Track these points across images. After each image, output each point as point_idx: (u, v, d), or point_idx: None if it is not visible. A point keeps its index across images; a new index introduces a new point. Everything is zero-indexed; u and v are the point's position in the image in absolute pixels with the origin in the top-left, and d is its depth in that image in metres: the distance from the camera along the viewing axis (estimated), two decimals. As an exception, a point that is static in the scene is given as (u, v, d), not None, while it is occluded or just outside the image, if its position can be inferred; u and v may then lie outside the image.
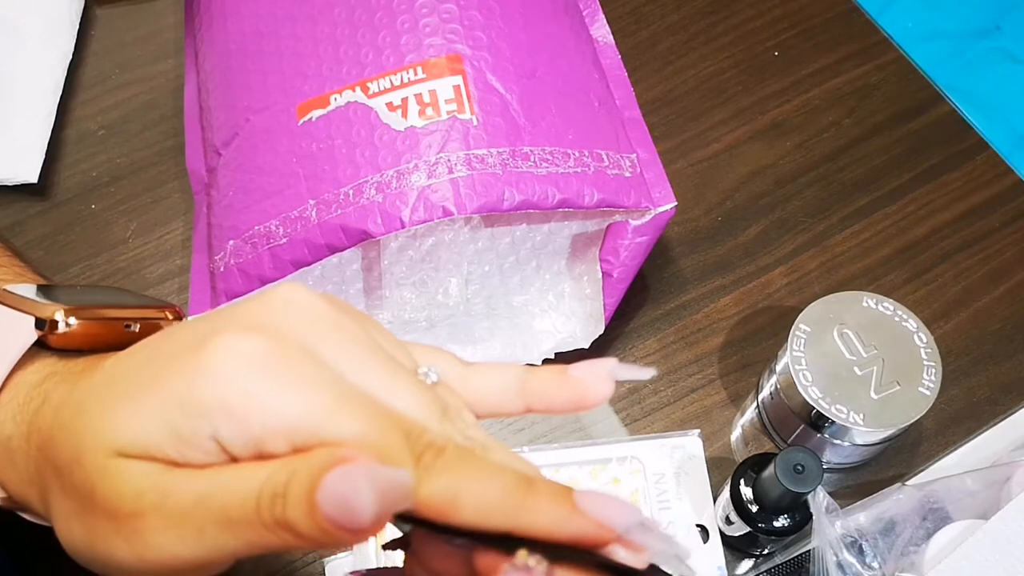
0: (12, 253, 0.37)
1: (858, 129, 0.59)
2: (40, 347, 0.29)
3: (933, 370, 0.45)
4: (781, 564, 0.46)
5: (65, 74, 0.59)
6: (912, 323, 0.46)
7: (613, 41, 0.54)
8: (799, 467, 0.41)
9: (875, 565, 0.43)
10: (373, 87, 0.44)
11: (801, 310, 0.47)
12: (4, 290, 0.31)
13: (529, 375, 0.27)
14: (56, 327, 0.29)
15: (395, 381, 0.25)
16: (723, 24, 0.63)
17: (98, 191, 0.57)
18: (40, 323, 0.29)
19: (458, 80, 0.44)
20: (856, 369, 0.45)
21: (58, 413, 0.26)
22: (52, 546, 0.26)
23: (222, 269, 0.48)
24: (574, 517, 0.22)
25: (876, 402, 0.44)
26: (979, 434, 0.49)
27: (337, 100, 0.45)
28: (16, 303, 0.30)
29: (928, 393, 0.45)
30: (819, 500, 0.42)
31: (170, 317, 0.32)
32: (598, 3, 0.56)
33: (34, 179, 0.55)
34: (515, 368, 0.28)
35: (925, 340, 0.46)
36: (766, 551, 0.46)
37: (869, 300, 0.47)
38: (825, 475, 0.41)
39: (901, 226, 0.56)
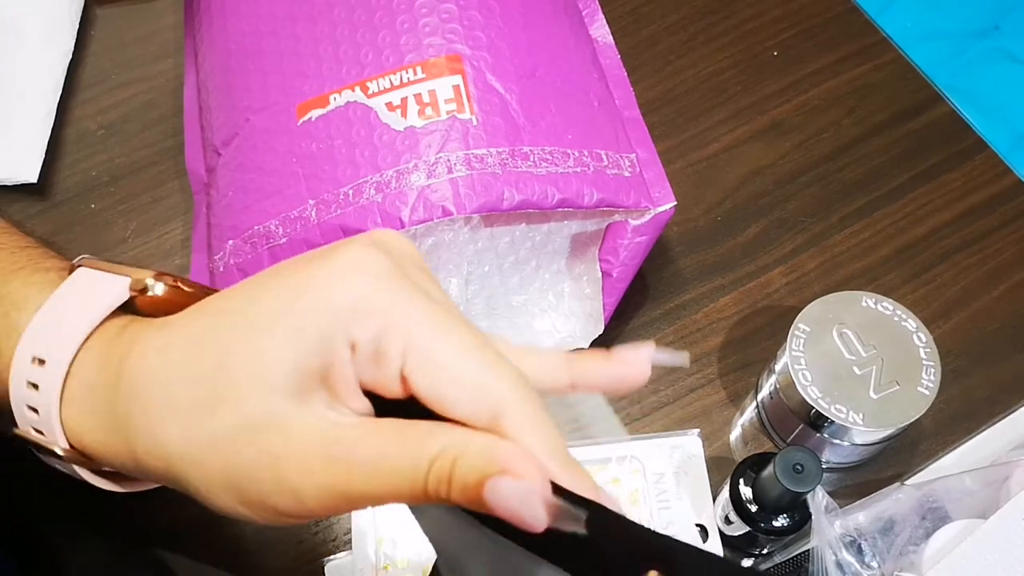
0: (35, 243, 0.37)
1: (857, 129, 0.59)
2: (118, 311, 0.29)
3: (932, 370, 0.45)
4: (780, 563, 0.46)
5: (65, 74, 0.59)
6: (911, 323, 0.46)
7: (612, 41, 0.54)
8: (798, 467, 0.41)
9: (874, 564, 0.43)
10: (373, 87, 0.45)
11: (800, 310, 0.47)
12: (91, 258, 0.31)
13: (576, 356, 0.28)
14: (147, 291, 0.29)
15: (488, 340, 0.26)
16: (722, 24, 0.63)
17: (98, 191, 0.57)
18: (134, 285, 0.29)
19: (457, 80, 0.44)
20: (855, 369, 0.45)
21: (165, 354, 0.26)
22: (53, 546, 0.26)
23: (222, 269, 0.48)
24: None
25: (875, 402, 0.44)
26: (978, 434, 0.49)
27: (337, 100, 0.45)
28: (110, 268, 0.30)
29: (927, 393, 0.45)
30: (818, 500, 0.42)
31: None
32: (598, 3, 0.56)
33: (34, 179, 0.56)
34: (562, 351, 0.29)
35: (924, 340, 0.46)
36: (765, 550, 0.46)
37: (868, 300, 0.47)
38: (824, 475, 0.41)
39: (900, 226, 0.56)
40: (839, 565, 0.42)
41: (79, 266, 0.30)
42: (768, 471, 0.42)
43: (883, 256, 0.55)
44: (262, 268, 0.46)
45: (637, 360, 0.28)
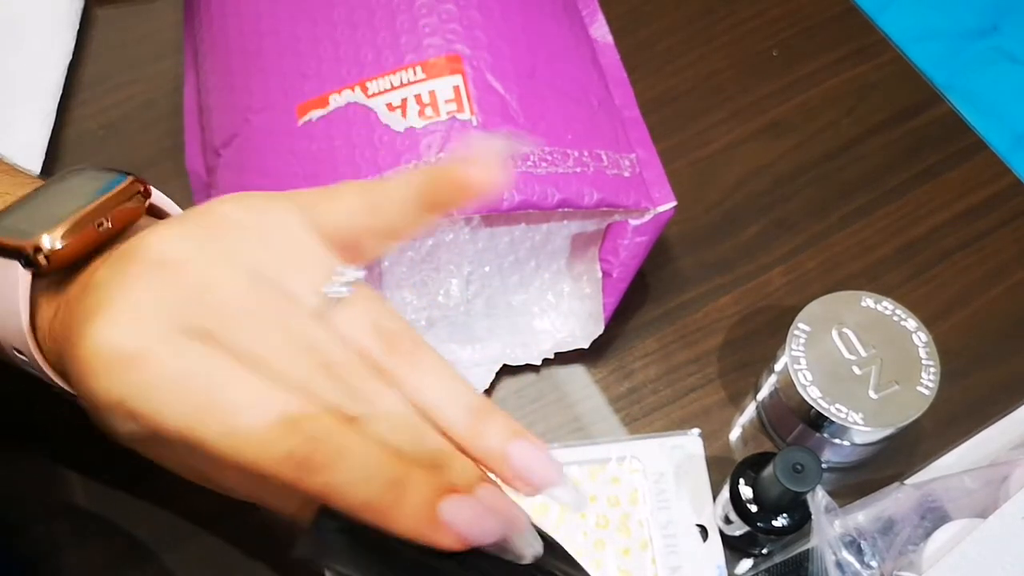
0: None
1: (857, 129, 0.59)
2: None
3: (932, 369, 0.45)
4: (780, 563, 0.46)
5: (65, 74, 0.59)
6: (911, 322, 0.46)
7: (612, 41, 0.54)
8: (798, 466, 0.41)
9: (874, 564, 0.43)
10: (373, 87, 0.45)
11: (800, 309, 0.47)
12: None
13: (419, 172, 0.30)
14: (40, 261, 0.30)
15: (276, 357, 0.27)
16: (722, 24, 0.63)
17: (98, 191, 0.57)
18: (25, 259, 0.30)
19: (457, 80, 0.44)
20: (855, 368, 0.45)
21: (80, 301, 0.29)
22: (53, 547, 0.26)
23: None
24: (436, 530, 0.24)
25: (875, 401, 0.44)
26: (977, 433, 0.49)
27: (337, 100, 0.45)
28: (4, 241, 0.31)
29: (927, 392, 0.45)
30: (818, 499, 0.42)
31: (141, 191, 0.34)
32: (597, 3, 0.56)
33: (34, 179, 0.56)
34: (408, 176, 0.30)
35: (924, 339, 0.46)
36: (765, 550, 0.46)
37: (868, 299, 0.47)
38: (824, 474, 0.41)
39: (900, 225, 0.56)
40: (839, 565, 0.42)
41: None
42: (768, 471, 0.42)
43: (883, 256, 0.55)
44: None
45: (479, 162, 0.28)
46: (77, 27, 0.61)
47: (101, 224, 0.31)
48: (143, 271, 0.27)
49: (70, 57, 0.60)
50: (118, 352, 0.26)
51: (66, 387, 0.32)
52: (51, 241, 0.30)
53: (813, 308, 0.47)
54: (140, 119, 0.60)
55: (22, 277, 0.30)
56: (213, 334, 0.26)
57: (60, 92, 0.59)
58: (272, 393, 0.25)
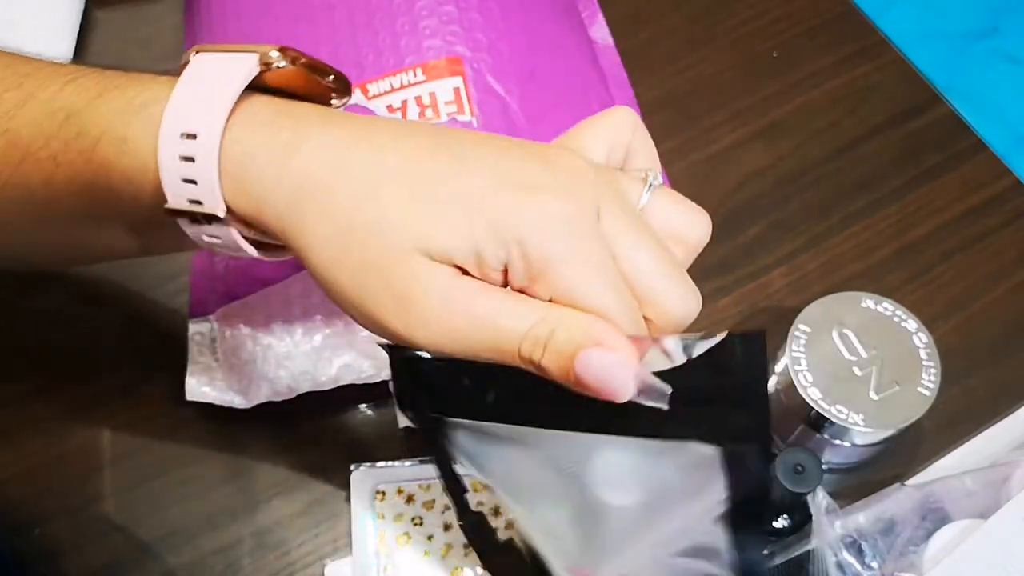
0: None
1: (857, 130, 0.59)
2: (249, 91, 0.31)
3: (932, 370, 0.45)
4: (781, 564, 0.46)
5: (65, 76, 0.59)
6: (912, 323, 0.46)
7: (612, 42, 0.54)
8: (799, 467, 0.41)
9: (874, 565, 0.43)
10: (373, 89, 0.45)
11: (801, 311, 0.47)
12: (203, 47, 0.32)
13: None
14: (271, 64, 0.30)
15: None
16: (722, 25, 0.63)
17: (98, 193, 0.57)
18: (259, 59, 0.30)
19: (458, 82, 0.44)
20: (856, 369, 0.45)
21: (345, 176, 0.29)
22: (54, 548, 0.26)
23: (222, 270, 0.48)
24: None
25: (876, 402, 0.44)
26: (978, 434, 0.49)
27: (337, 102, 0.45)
28: (229, 48, 0.31)
29: (928, 393, 0.45)
30: (819, 500, 0.42)
31: (341, 82, 0.34)
32: (597, 5, 0.56)
33: (35, 181, 0.56)
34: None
35: (925, 340, 0.46)
36: (766, 551, 0.46)
37: (869, 300, 0.47)
38: (825, 475, 0.41)
39: (900, 227, 0.56)
40: (839, 566, 0.42)
41: (193, 55, 0.31)
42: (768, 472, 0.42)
43: (883, 257, 0.55)
44: (263, 269, 0.46)
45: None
46: (77, 29, 0.61)
47: (328, 76, 0.33)
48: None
49: (70, 59, 0.60)
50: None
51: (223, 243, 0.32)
52: (278, 56, 0.31)
53: (813, 309, 0.47)
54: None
55: (251, 69, 0.30)
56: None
57: (61, 94, 0.59)
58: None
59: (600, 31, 0.54)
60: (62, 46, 0.59)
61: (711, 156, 0.58)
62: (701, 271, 0.54)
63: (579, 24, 0.53)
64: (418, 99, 0.44)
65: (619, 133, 0.33)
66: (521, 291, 0.29)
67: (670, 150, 0.58)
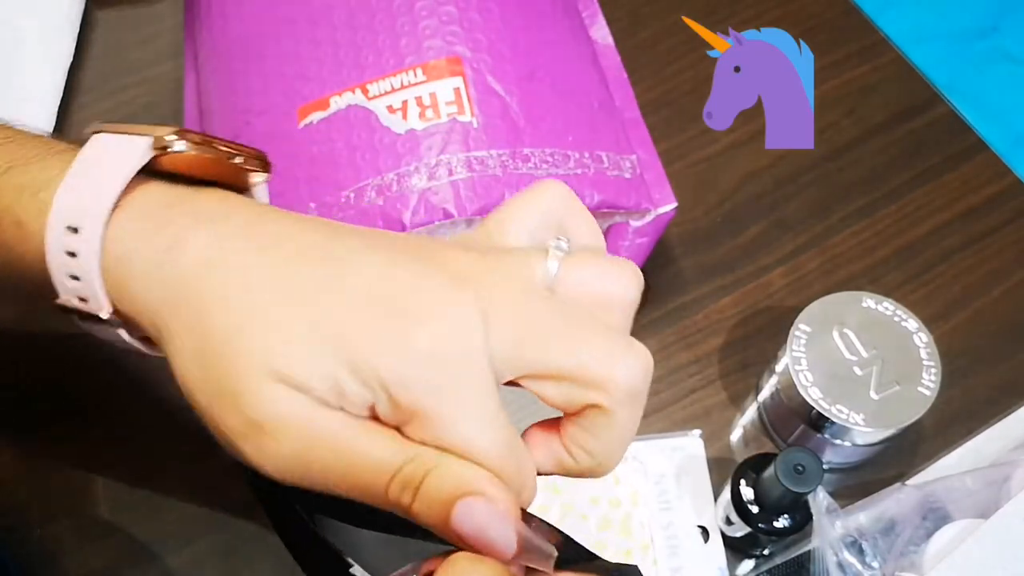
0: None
1: (857, 129, 0.59)
2: (146, 176, 0.29)
3: (933, 370, 0.45)
4: (781, 564, 0.46)
5: (65, 76, 0.59)
6: (912, 323, 0.46)
7: (613, 42, 0.54)
8: (799, 467, 0.41)
9: (875, 565, 0.43)
10: (373, 89, 0.45)
11: (801, 310, 0.47)
12: (106, 123, 0.31)
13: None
14: (167, 148, 0.29)
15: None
16: (722, 25, 0.63)
17: (99, 193, 0.57)
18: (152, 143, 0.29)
19: (458, 82, 0.44)
20: (856, 369, 0.45)
21: (215, 280, 0.27)
22: (54, 548, 0.26)
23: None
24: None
25: (876, 402, 0.44)
26: (978, 433, 0.49)
27: (337, 103, 0.45)
28: (128, 129, 0.30)
29: (928, 393, 0.45)
30: (819, 500, 0.42)
31: (257, 160, 0.32)
32: (598, 4, 0.56)
33: (35, 182, 0.55)
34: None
35: (925, 340, 0.46)
36: (766, 551, 0.46)
37: (869, 300, 0.47)
38: (825, 475, 0.41)
39: (900, 226, 0.56)
40: (840, 566, 0.42)
41: (94, 133, 0.30)
42: (769, 472, 0.42)
43: (883, 256, 0.55)
44: (263, 270, 0.46)
45: None
46: (77, 29, 0.61)
47: (233, 158, 0.31)
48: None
49: (70, 59, 0.60)
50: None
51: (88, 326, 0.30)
52: (174, 140, 0.29)
53: (814, 309, 0.47)
54: (140, 121, 0.59)
55: (138, 155, 0.29)
56: None
57: (60, 95, 0.59)
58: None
59: (600, 31, 0.54)
60: (62, 46, 0.59)
61: (711, 156, 0.58)
62: (701, 271, 0.55)
63: (579, 24, 0.53)
64: (418, 99, 0.44)
65: (548, 210, 0.30)
66: (394, 427, 0.26)
67: (670, 150, 0.58)
